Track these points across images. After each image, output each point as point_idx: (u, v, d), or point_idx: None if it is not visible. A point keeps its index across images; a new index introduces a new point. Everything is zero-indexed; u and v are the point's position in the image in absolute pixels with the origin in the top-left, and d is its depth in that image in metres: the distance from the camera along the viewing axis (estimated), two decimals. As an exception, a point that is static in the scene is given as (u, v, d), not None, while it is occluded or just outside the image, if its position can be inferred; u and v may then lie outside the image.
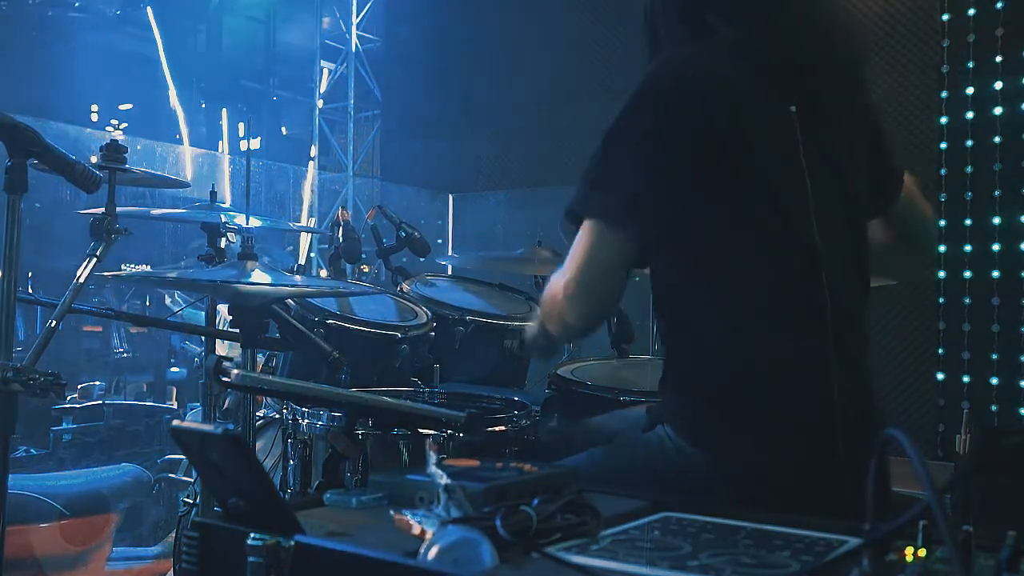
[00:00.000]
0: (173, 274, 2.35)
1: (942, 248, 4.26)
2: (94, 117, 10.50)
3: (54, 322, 2.02)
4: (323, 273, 6.48)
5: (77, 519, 3.21)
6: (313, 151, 9.17)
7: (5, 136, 1.84)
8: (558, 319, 1.60)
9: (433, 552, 0.88)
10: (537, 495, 1.05)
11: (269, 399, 2.79)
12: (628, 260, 1.54)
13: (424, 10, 7.73)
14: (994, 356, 4.10)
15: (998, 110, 4.14)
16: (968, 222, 4.21)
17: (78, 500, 3.27)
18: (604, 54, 5.71)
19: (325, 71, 9.15)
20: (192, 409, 4.99)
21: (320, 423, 1.98)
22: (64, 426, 5.10)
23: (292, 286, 2.32)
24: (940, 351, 4.25)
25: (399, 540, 0.98)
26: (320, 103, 9.12)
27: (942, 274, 4.25)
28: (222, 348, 2.92)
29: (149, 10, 10.45)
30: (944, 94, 4.31)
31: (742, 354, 1.51)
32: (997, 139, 4.14)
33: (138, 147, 7.64)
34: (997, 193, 4.15)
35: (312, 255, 8.44)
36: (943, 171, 4.28)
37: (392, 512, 1.06)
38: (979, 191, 4.18)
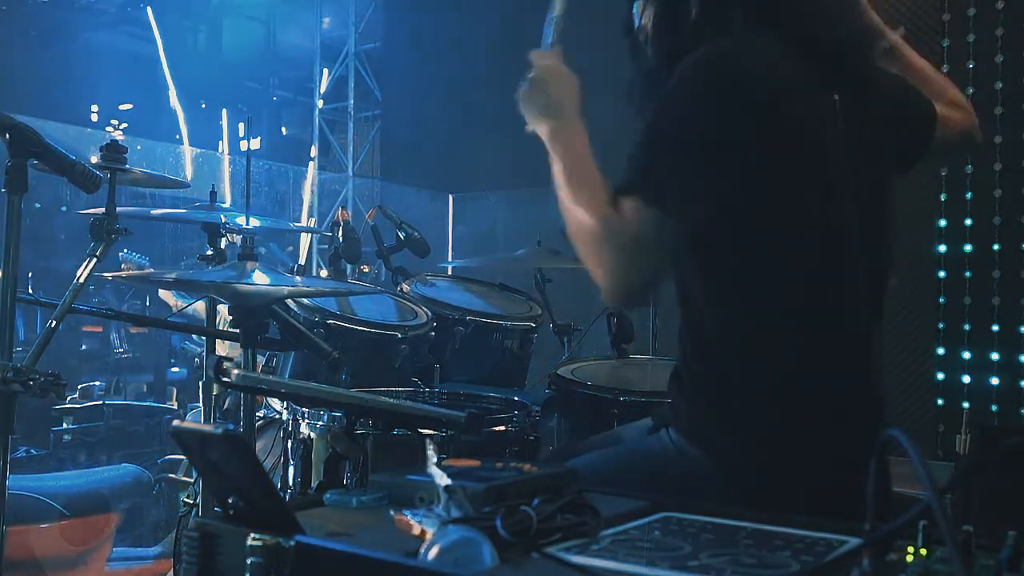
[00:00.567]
0: (173, 275, 2.35)
1: (942, 248, 4.26)
2: (94, 117, 10.50)
3: (54, 322, 2.02)
4: (323, 273, 6.48)
5: (77, 519, 3.21)
6: (313, 151, 9.18)
7: (5, 136, 1.84)
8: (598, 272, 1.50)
9: (433, 552, 0.88)
10: (537, 495, 1.05)
11: (269, 399, 2.79)
12: (669, 243, 1.48)
13: (424, 11, 7.73)
14: (994, 356, 4.10)
15: (998, 110, 4.14)
16: (968, 222, 4.20)
17: (78, 500, 3.27)
18: (605, 54, 5.71)
19: (325, 71, 9.15)
20: (192, 409, 4.98)
21: (320, 423, 1.98)
22: (64, 426, 5.10)
23: (292, 286, 2.32)
24: (940, 351, 4.25)
25: (399, 540, 0.98)
26: (320, 103, 9.13)
27: (942, 274, 4.25)
28: (222, 348, 2.92)
29: (149, 10, 10.45)
30: (944, 94, 4.30)
31: (771, 356, 1.49)
32: (997, 139, 4.14)
33: (138, 147, 7.64)
34: (997, 193, 4.14)
35: (313, 255, 8.44)
36: (943, 171, 4.28)
37: (392, 512, 1.06)
38: (979, 191, 4.18)
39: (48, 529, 3.12)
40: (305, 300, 2.65)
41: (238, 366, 1.24)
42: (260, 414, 2.82)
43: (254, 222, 2.77)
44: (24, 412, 1.87)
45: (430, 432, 1.75)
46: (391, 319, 2.81)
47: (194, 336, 5.20)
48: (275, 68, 12.31)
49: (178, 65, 10.60)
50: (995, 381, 4.10)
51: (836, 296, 1.51)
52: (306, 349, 2.34)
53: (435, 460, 1.04)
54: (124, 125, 10.51)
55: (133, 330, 7.49)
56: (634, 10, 1.72)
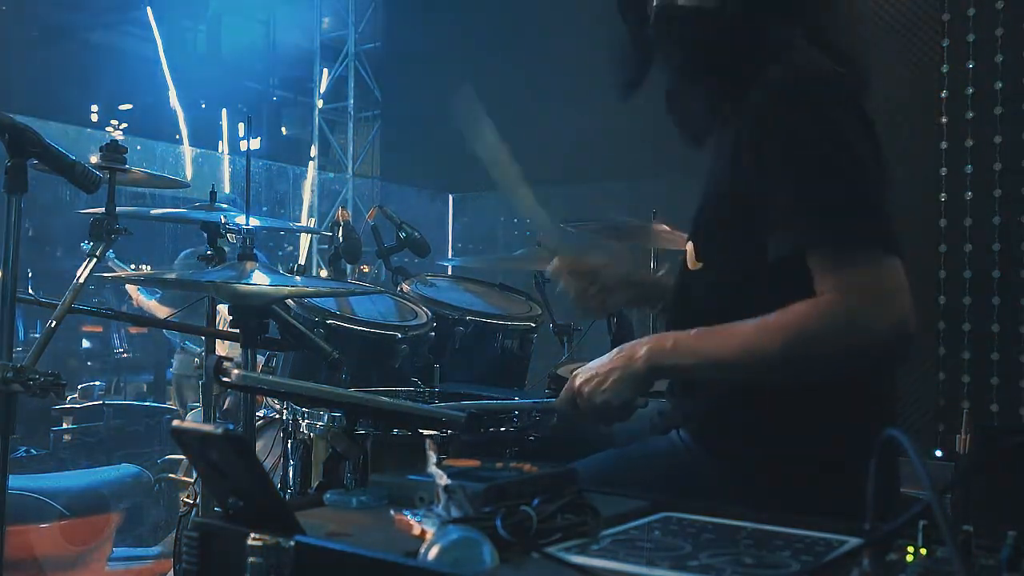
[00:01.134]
0: (172, 274, 2.35)
1: (942, 248, 4.26)
2: (94, 117, 10.50)
3: (54, 322, 2.02)
4: (323, 273, 6.49)
5: (77, 519, 3.21)
6: (313, 151, 9.18)
7: (5, 136, 1.84)
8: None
9: (433, 552, 0.88)
10: (537, 495, 1.05)
11: (269, 399, 2.79)
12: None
13: (424, 10, 7.73)
14: (994, 356, 4.10)
15: (998, 110, 4.14)
16: (968, 222, 4.20)
17: (78, 500, 3.27)
18: (605, 54, 5.70)
19: (325, 71, 9.15)
20: (192, 409, 4.99)
21: (320, 423, 1.98)
22: (64, 426, 5.10)
23: (292, 286, 2.32)
24: (940, 351, 4.25)
25: (399, 540, 0.98)
26: (320, 103, 9.13)
27: (942, 274, 4.25)
28: (222, 348, 2.92)
29: (149, 10, 10.45)
30: (944, 94, 4.31)
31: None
32: (998, 139, 4.14)
33: (138, 147, 7.64)
34: (997, 193, 4.14)
35: (313, 255, 8.45)
36: (943, 171, 4.28)
37: (392, 512, 1.06)
38: (979, 191, 4.18)
39: (48, 529, 3.12)
40: (305, 300, 2.65)
41: (238, 366, 1.24)
42: (260, 414, 2.82)
43: (254, 222, 2.78)
44: (24, 412, 1.87)
45: (430, 432, 1.75)
46: (391, 319, 2.81)
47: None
48: (275, 68, 12.30)
49: (178, 65, 10.60)
50: (995, 381, 4.10)
51: None
52: (306, 349, 2.34)
53: (435, 460, 1.04)
54: (124, 125, 10.51)
55: (133, 330, 7.50)
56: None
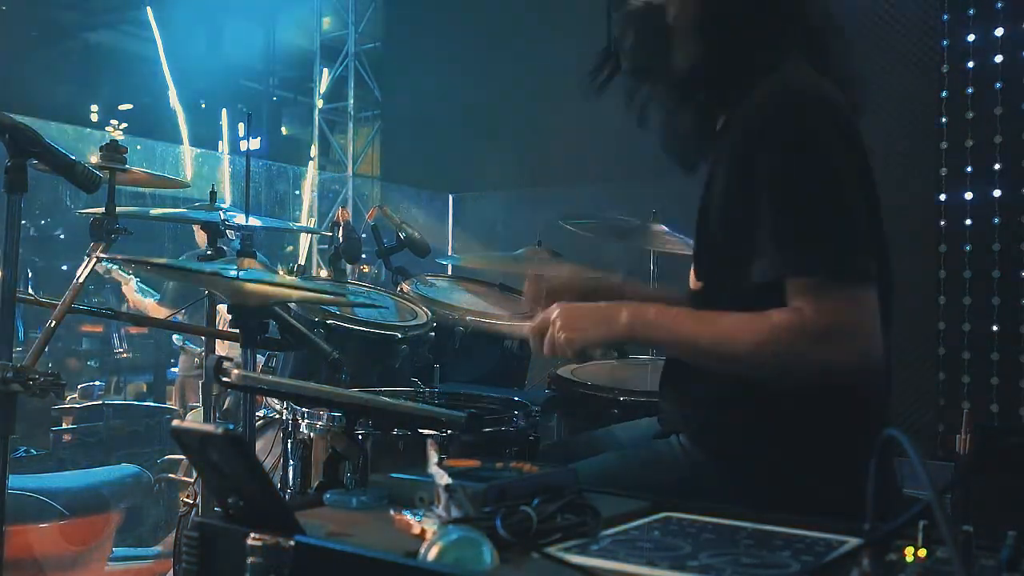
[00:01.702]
0: (168, 262, 2.34)
1: (942, 248, 4.26)
2: (94, 117, 10.49)
3: (54, 322, 2.02)
4: (323, 273, 6.49)
5: (77, 519, 3.21)
6: (313, 151, 9.17)
7: (5, 136, 1.84)
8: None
9: (433, 552, 0.88)
10: (537, 495, 1.05)
11: (269, 399, 2.79)
12: None
13: (424, 10, 7.73)
14: (994, 356, 4.10)
15: (998, 110, 4.14)
16: (968, 222, 4.21)
17: (78, 500, 3.27)
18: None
19: (325, 71, 9.15)
20: (192, 409, 4.99)
21: (320, 423, 1.98)
22: (64, 426, 5.10)
23: (292, 287, 2.32)
24: (940, 351, 4.25)
25: (399, 540, 0.98)
26: (320, 103, 9.12)
27: (942, 274, 4.25)
28: (222, 348, 2.92)
29: (149, 10, 10.44)
30: (944, 94, 4.31)
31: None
32: (998, 139, 4.14)
33: (138, 147, 7.63)
34: (997, 193, 4.15)
35: (313, 255, 8.44)
36: (943, 171, 4.29)
37: (392, 512, 1.06)
38: (979, 191, 4.18)
39: (48, 529, 3.12)
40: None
41: (238, 366, 1.24)
42: (260, 414, 2.81)
43: (254, 222, 2.78)
44: (24, 412, 1.87)
45: (430, 432, 1.75)
46: (391, 319, 2.81)
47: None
48: (275, 68, 12.30)
49: (178, 65, 10.60)
50: (995, 381, 4.10)
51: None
52: (306, 349, 2.34)
53: (435, 460, 1.04)
54: (124, 125, 10.51)
55: (133, 330, 7.49)
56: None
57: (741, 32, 1.52)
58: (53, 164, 1.92)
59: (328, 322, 2.59)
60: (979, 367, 4.13)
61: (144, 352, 7.60)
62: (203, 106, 11.49)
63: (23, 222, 1.87)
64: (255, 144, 11.56)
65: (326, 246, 7.80)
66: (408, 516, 1.02)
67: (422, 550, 0.89)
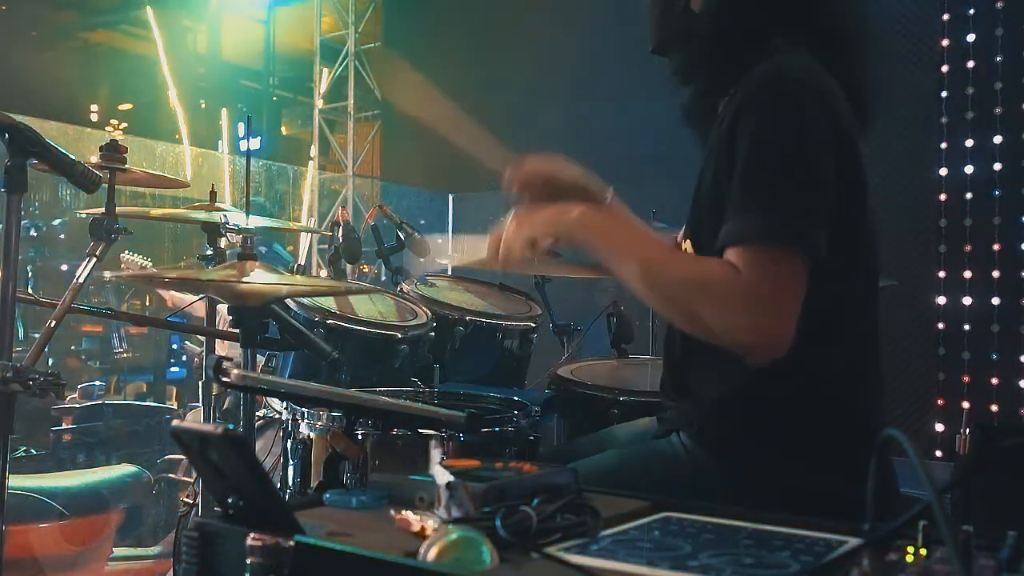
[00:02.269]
0: (173, 273, 2.35)
1: (942, 248, 4.26)
2: (94, 117, 10.50)
3: (54, 322, 2.02)
4: (323, 273, 6.49)
5: (77, 519, 3.21)
6: (313, 151, 9.17)
7: (5, 136, 1.84)
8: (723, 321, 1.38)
9: (433, 552, 0.88)
10: (537, 495, 1.05)
11: (269, 399, 2.79)
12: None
13: (424, 10, 7.73)
14: (994, 356, 4.10)
15: (998, 110, 4.14)
16: (968, 222, 4.21)
17: (78, 500, 3.27)
18: (604, 54, 5.71)
19: (325, 71, 9.15)
20: (192, 409, 4.98)
21: (320, 423, 1.98)
22: (64, 426, 5.10)
23: (292, 286, 2.32)
24: (940, 351, 4.25)
25: (399, 540, 0.98)
26: (320, 103, 9.12)
27: (942, 274, 4.25)
28: (222, 348, 2.92)
29: (149, 10, 10.45)
30: (944, 94, 4.31)
31: (782, 361, 1.45)
32: (997, 139, 4.14)
33: (138, 147, 7.63)
34: (997, 193, 4.15)
35: (313, 255, 8.44)
36: (943, 171, 4.29)
37: (392, 512, 1.06)
38: (979, 191, 4.19)
39: (48, 529, 3.12)
40: (305, 300, 2.65)
41: (238, 366, 1.24)
42: (260, 414, 2.82)
43: (254, 222, 2.77)
44: (24, 412, 1.87)
45: (430, 432, 1.75)
46: (391, 319, 2.81)
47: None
48: (275, 68, 12.31)
49: (178, 65, 10.60)
50: (995, 381, 4.10)
51: (844, 304, 1.51)
52: (306, 349, 2.34)
53: (436, 460, 1.04)
54: (124, 125, 10.51)
55: (133, 330, 7.48)
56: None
57: (745, 16, 1.54)
58: (53, 164, 1.92)
59: (328, 322, 2.59)
60: (979, 367, 4.13)
61: (144, 352, 7.59)
62: (203, 106, 11.49)
63: (23, 222, 1.87)
64: (255, 144, 11.56)
65: (326, 246, 7.80)
66: (408, 516, 1.02)
67: (422, 550, 0.89)
